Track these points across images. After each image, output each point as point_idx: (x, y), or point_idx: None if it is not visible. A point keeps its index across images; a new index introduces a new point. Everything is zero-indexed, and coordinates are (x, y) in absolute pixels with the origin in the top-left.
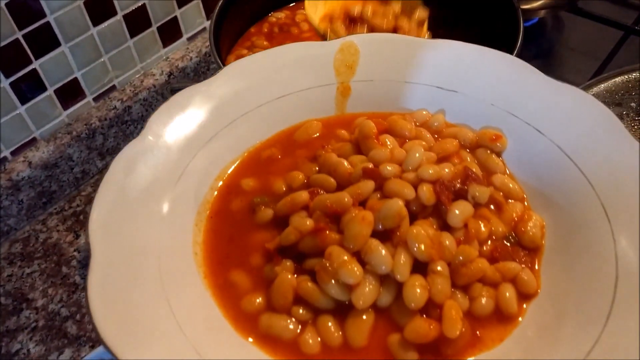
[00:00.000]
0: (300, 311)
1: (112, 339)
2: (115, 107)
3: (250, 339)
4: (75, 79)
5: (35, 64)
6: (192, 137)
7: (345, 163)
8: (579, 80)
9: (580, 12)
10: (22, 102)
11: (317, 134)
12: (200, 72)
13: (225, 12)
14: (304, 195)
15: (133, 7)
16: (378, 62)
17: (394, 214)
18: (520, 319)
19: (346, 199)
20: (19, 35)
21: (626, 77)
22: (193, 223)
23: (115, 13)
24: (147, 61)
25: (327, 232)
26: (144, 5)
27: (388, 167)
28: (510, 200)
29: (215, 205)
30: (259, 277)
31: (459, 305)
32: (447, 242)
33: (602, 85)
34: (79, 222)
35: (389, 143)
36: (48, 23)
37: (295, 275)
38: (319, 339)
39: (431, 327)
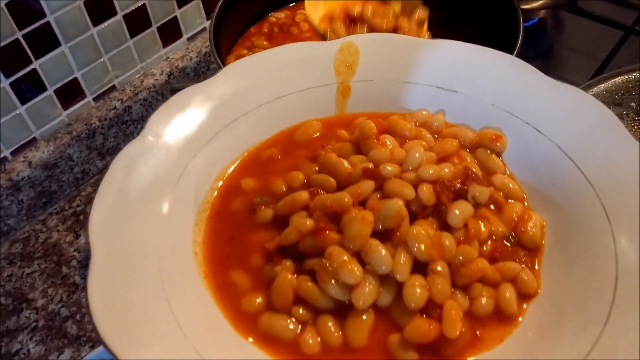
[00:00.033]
0: (300, 311)
1: (112, 339)
2: (115, 107)
3: (250, 339)
4: (75, 79)
5: (35, 64)
6: (192, 137)
7: (345, 163)
8: (579, 80)
9: (580, 12)
10: (22, 102)
11: (317, 134)
12: (200, 72)
13: (225, 12)
14: (304, 195)
15: (133, 7)
16: (378, 62)
17: (394, 213)
18: (520, 319)
19: (346, 199)
20: (19, 35)
21: (626, 77)
22: (193, 223)
23: (115, 13)
24: (147, 61)
25: (327, 232)
26: (144, 5)
27: (388, 167)
28: (510, 200)
29: (215, 205)
30: (259, 277)
31: (459, 305)
32: (447, 242)
33: (602, 85)
34: (79, 222)
35: (389, 143)
36: (48, 23)
37: (295, 275)
38: (319, 339)
39: (431, 327)
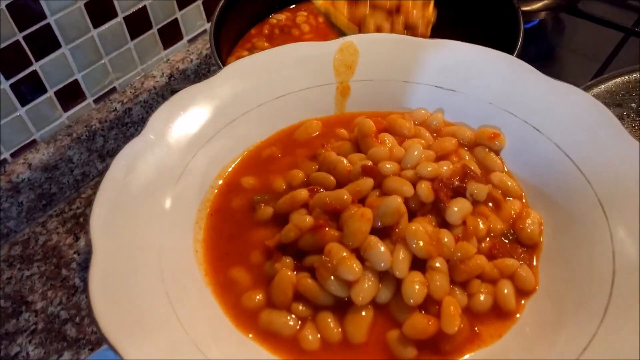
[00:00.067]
0: (300, 307)
1: (113, 334)
2: (115, 109)
3: (251, 335)
4: (76, 80)
5: (36, 66)
6: (192, 136)
7: (345, 161)
8: (579, 82)
9: (580, 14)
10: (22, 104)
11: (317, 133)
12: (200, 74)
13: (225, 13)
14: (303, 193)
15: (134, 9)
16: (377, 62)
17: (392, 210)
18: (518, 315)
19: (345, 197)
20: (19, 36)
21: (626, 77)
22: (194, 221)
23: (115, 15)
24: (147, 63)
25: (327, 229)
26: (144, 7)
27: (387, 165)
28: (508, 198)
29: (215, 203)
30: (259, 274)
31: (457, 302)
32: (446, 239)
33: (603, 86)
34: (79, 224)
35: (388, 141)
36: (48, 25)
37: (295, 272)
38: (319, 335)
39: (430, 323)
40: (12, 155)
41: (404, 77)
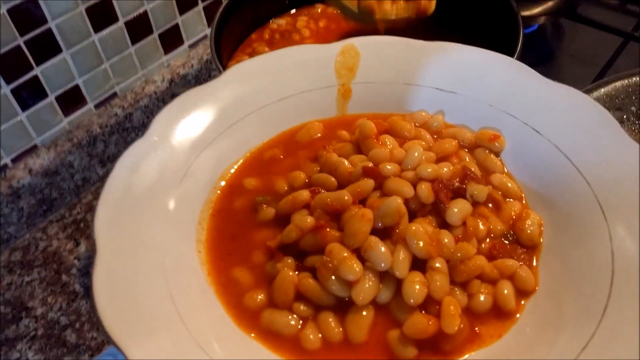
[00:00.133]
0: (301, 307)
1: (118, 334)
2: (116, 114)
3: (253, 335)
4: (77, 85)
5: (37, 71)
6: (195, 138)
7: (346, 162)
8: (579, 87)
9: (579, 19)
10: (23, 109)
11: (319, 135)
12: (201, 79)
13: (226, 18)
14: (305, 194)
15: (135, 14)
16: (378, 64)
17: (393, 211)
18: (518, 315)
19: (346, 197)
20: (20, 41)
21: (626, 81)
22: (196, 221)
23: (116, 20)
24: (148, 68)
25: (328, 229)
26: (145, 12)
27: (388, 166)
28: (508, 199)
29: (218, 204)
30: (261, 275)
31: (457, 302)
32: (446, 240)
33: (602, 89)
34: (79, 229)
35: (388, 143)
36: (49, 29)
37: (297, 272)
38: (320, 334)
39: (430, 322)
40: (13, 160)
41: (405, 79)
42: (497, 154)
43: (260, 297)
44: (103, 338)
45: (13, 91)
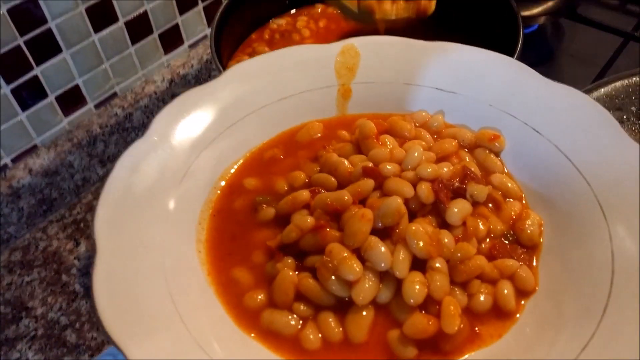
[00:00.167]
0: (301, 307)
1: (118, 334)
2: (116, 114)
3: (253, 335)
4: (77, 85)
5: (37, 71)
6: (195, 138)
7: (346, 162)
8: (579, 87)
9: (579, 19)
10: (23, 109)
11: (319, 135)
12: (201, 79)
13: (226, 18)
14: (304, 194)
15: (135, 14)
16: (378, 64)
17: (393, 211)
18: (518, 315)
19: (346, 197)
20: (20, 41)
21: (626, 81)
22: (196, 221)
23: (116, 20)
24: (148, 68)
25: (328, 229)
26: (145, 12)
27: (388, 166)
28: (508, 199)
29: (218, 204)
30: (261, 275)
31: (457, 302)
32: (446, 240)
33: (602, 89)
34: (79, 229)
35: (388, 143)
36: (49, 29)
37: (297, 272)
38: (320, 334)
39: (430, 322)
40: (13, 160)
41: (405, 79)
42: (497, 154)
43: (260, 297)
44: (103, 338)
45: (13, 91)
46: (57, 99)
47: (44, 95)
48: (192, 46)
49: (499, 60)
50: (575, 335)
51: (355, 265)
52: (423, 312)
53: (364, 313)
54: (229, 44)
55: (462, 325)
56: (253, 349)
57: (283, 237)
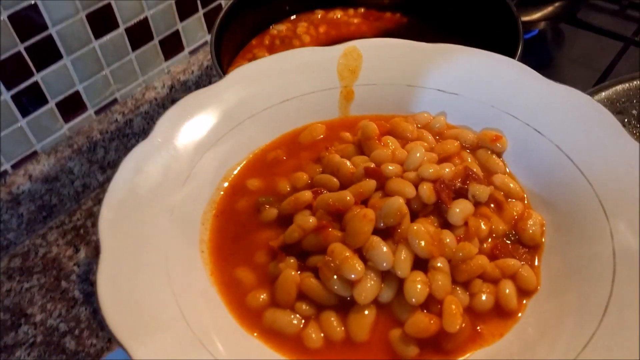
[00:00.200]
0: (304, 307)
1: (122, 334)
2: (116, 120)
3: (255, 334)
4: (77, 92)
5: (37, 77)
6: (199, 139)
7: (348, 163)
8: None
9: (580, 24)
10: (24, 115)
11: (321, 136)
12: (201, 85)
13: (226, 24)
14: (307, 195)
15: (135, 21)
16: (380, 66)
17: (394, 211)
18: (520, 314)
19: (348, 197)
20: (20, 47)
21: (627, 85)
22: (200, 222)
23: (117, 26)
24: (148, 74)
25: (330, 229)
26: (145, 19)
27: (389, 167)
28: (510, 200)
29: (221, 205)
30: (263, 274)
31: (459, 301)
32: (448, 240)
33: (603, 93)
34: (79, 236)
35: (390, 144)
36: (50, 36)
37: (299, 272)
38: (322, 334)
39: (432, 322)
40: (13, 166)
41: (407, 81)
42: (499, 155)
43: (263, 296)
44: (102, 345)
45: (13, 97)
46: (58, 105)
47: (45, 101)
48: (192, 52)
49: (500, 61)
50: (576, 334)
51: (357, 264)
52: (425, 311)
53: (366, 312)
54: (229, 50)
55: (463, 325)
56: (256, 348)
57: (285, 238)
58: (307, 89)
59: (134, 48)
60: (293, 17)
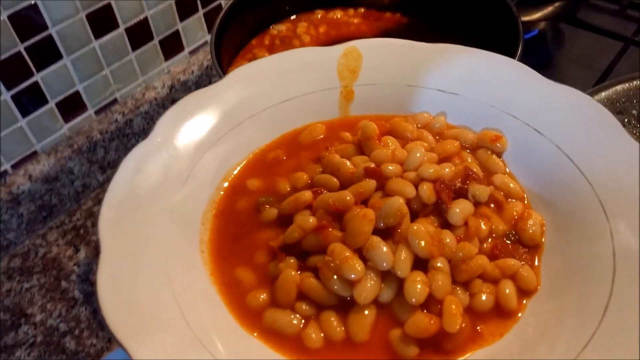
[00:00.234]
0: (304, 307)
1: (122, 334)
2: (116, 120)
3: (255, 334)
4: (77, 92)
5: (37, 77)
6: (199, 139)
7: (348, 163)
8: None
9: (580, 24)
10: (24, 115)
11: (321, 136)
12: (201, 85)
13: (226, 24)
14: (307, 195)
15: (135, 21)
16: (380, 66)
17: (394, 211)
18: (520, 314)
19: (348, 197)
20: (20, 47)
21: (627, 85)
22: (200, 222)
23: (117, 26)
24: (148, 74)
25: (330, 229)
26: (145, 19)
27: (389, 167)
28: (510, 200)
29: (221, 205)
30: (263, 274)
31: (459, 301)
32: (448, 240)
33: (603, 93)
34: (79, 236)
35: (390, 144)
36: (50, 36)
37: (299, 272)
38: (322, 333)
39: (432, 322)
40: (13, 166)
41: (407, 81)
42: (499, 155)
43: (263, 296)
44: (102, 345)
45: (13, 97)
46: (58, 105)
47: (45, 101)
48: (192, 52)
49: (500, 61)
50: (576, 334)
51: (357, 264)
52: (425, 311)
53: (366, 312)
54: (229, 50)
55: (463, 325)
56: (256, 348)
57: (285, 238)
58: (307, 89)
59: (134, 48)
60: (293, 17)
